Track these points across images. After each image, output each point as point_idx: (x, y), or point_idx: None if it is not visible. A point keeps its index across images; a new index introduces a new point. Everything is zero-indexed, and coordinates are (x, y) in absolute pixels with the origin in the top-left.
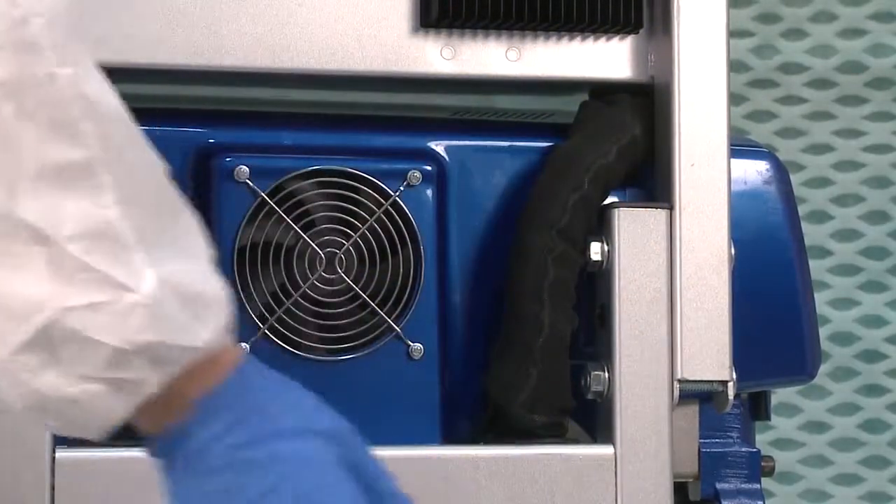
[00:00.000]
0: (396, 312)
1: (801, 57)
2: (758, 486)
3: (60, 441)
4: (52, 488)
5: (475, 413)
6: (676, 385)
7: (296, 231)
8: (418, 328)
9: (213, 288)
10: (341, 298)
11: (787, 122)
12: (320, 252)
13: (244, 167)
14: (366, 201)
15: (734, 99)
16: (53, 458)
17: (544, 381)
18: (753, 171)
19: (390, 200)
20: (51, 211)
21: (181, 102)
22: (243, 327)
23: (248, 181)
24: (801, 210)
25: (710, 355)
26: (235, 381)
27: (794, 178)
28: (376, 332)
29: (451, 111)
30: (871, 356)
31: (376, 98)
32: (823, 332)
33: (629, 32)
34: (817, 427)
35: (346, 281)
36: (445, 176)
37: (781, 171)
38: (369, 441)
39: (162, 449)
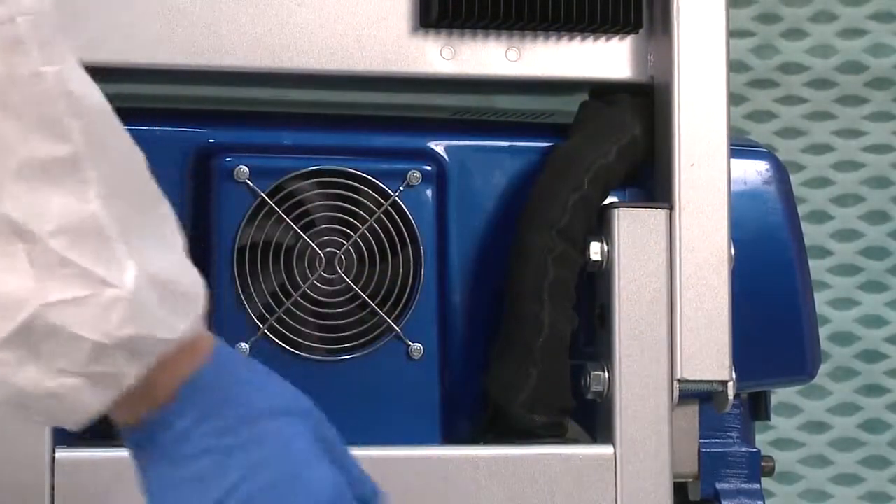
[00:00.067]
0: (396, 312)
1: (801, 57)
2: (758, 486)
3: (60, 441)
4: (52, 488)
5: (475, 413)
6: (676, 385)
7: (296, 231)
8: (418, 328)
9: (190, 278)
10: (341, 298)
11: (787, 122)
12: (320, 252)
13: (244, 167)
14: (366, 201)
15: (734, 99)
16: (53, 458)
17: (544, 381)
18: (753, 171)
19: (390, 200)
20: (34, 207)
21: (181, 102)
22: (243, 327)
23: (248, 181)
24: (801, 210)
25: (709, 355)
26: (211, 368)
27: (794, 178)
28: (376, 332)
29: (451, 111)
30: (871, 356)
31: (376, 98)
32: (823, 332)
33: (629, 32)
34: (817, 427)
35: (346, 281)
36: (445, 176)
37: (781, 171)
38: (369, 441)
39: (138, 439)
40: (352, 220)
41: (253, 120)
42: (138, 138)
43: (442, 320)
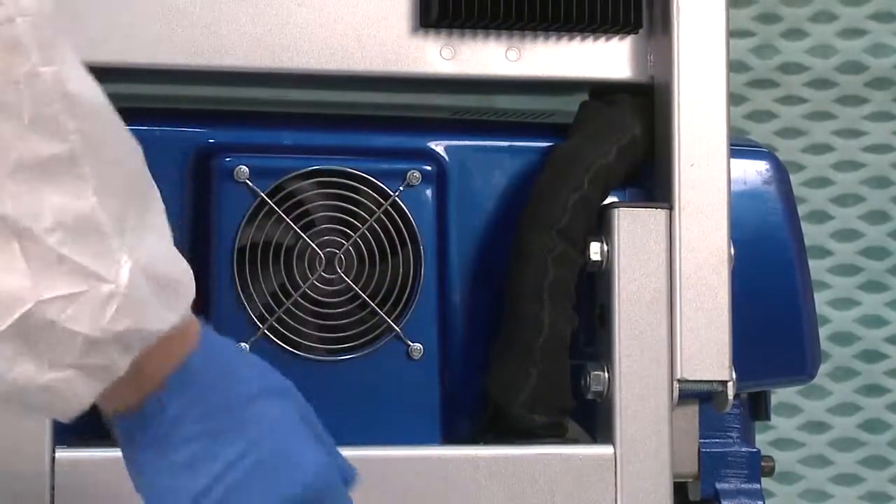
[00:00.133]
0: (396, 312)
1: (801, 57)
2: (758, 486)
3: (60, 441)
4: (52, 488)
5: (475, 413)
6: (676, 385)
7: (296, 231)
8: (418, 328)
9: (180, 267)
10: (341, 298)
11: (787, 122)
12: (320, 252)
13: (244, 167)
14: (366, 201)
15: (734, 99)
16: (53, 458)
17: (544, 381)
18: (753, 171)
19: (390, 200)
20: (31, 205)
21: (181, 102)
22: (243, 327)
23: (247, 181)
24: (801, 210)
25: (709, 355)
26: (199, 354)
27: (794, 178)
28: (376, 332)
29: (451, 111)
30: (871, 356)
31: (376, 98)
32: (823, 332)
33: (629, 32)
34: (817, 427)
35: (345, 281)
36: (445, 176)
37: (781, 171)
38: (369, 441)
39: (127, 426)
40: (352, 220)
41: (253, 120)
42: (138, 138)
43: (442, 320)
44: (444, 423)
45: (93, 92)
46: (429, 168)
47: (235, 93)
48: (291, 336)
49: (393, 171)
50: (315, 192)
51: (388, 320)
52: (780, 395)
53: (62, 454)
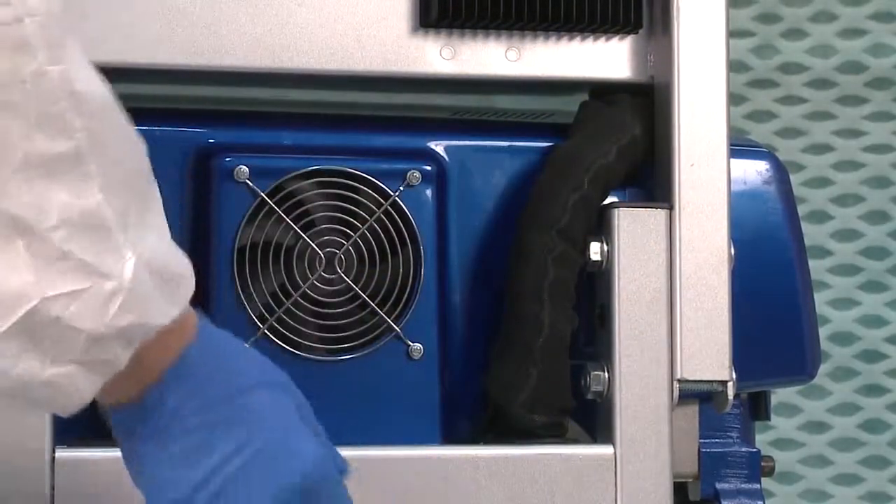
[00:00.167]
0: (396, 312)
1: (801, 57)
2: (758, 486)
3: (60, 441)
4: (52, 488)
5: (475, 413)
6: (676, 385)
7: (296, 231)
8: (418, 328)
9: (180, 261)
10: (341, 298)
11: (787, 122)
12: (320, 252)
13: (244, 167)
14: (366, 201)
15: (734, 99)
16: (53, 458)
17: (544, 381)
18: (753, 171)
19: (390, 200)
20: (37, 202)
21: (181, 102)
22: (243, 327)
23: (247, 181)
24: (801, 210)
25: (709, 355)
26: (196, 346)
27: (794, 178)
28: (376, 332)
29: (451, 111)
30: (871, 356)
31: (376, 98)
32: (823, 332)
33: (629, 32)
34: (817, 427)
35: (346, 281)
36: (445, 176)
37: (781, 171)
38: (369, 441)
39: (125, 419)
40: (352, 220)
41: (253, 120)
42: None
43: (442, 320)
44: (444, 423)
45: (100, 90)
46: (429, 168)
47: (235, 93)
48: (291, 336)
49: (393, 171)
50: (315, 192)
51: (388, 320)
52: (780, 395)
53: (62, 454)
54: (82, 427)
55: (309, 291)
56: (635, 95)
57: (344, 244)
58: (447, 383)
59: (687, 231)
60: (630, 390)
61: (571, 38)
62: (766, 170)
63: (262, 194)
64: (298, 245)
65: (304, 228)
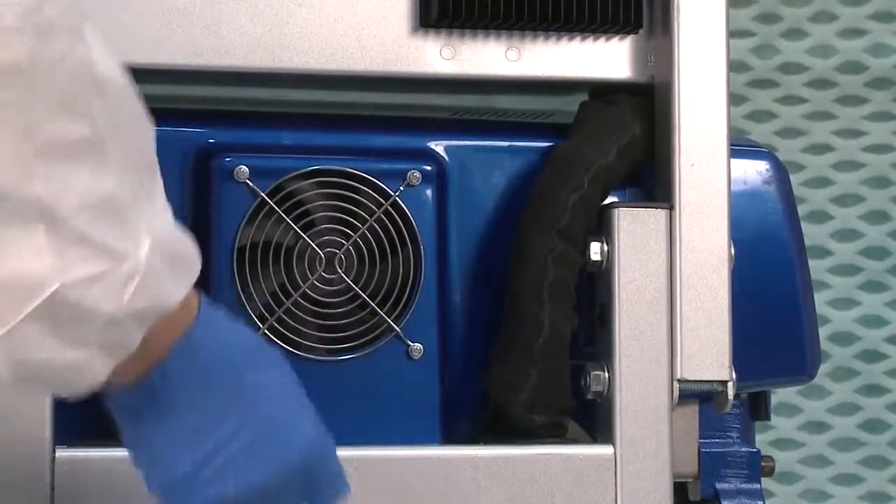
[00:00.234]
0: (396, 312)
1: (801, 57)
2: (758, 486)
3: (60, 441)
4: (52, 488)
5: (475, 413)
6: (676, 385)
7: (296, 231)
8: (418, 328)
9: (187, 243)
10: (341, 298)
11: (787, 122)
12: (320, 252)
13: (244, 167)
14: (366, 201)
15: (734, 99)
16: (53, 458)
17: (544, 381)
18: (753, 171)
19: (390, 200)
20: (57, 187)
21: (181, 102)
22: None
23: (248, 181)
24: (801, 210)
25: (709, 355)
26: (199, 325)
27: (794, 178)
28: (376, 332)
29: (451, 111)
30: (871, 356)
31: (376, 98)
32: (823, 332)
33: (629, 32)
34: (817, 427)
35: (346, 281)
36: (445, 176)
37: (781, 171)
38: (369, 441)
39: (131, 399)
40: (352, 220)
41: (253, 120)
42: None
43: (442, 320)
44: (444, 423)
45: (117, 73)
46: (429, 168)
47: (235, 93)
48: (291, 336)
49: (393, 171)
50: (315, 192)
51: (388, 320)
52: (780, 395)
53: (62, 454)
54: (82, 427)
55: (309, 291)
56: (635, 95)
57: (344, 244)
58: (447, 383)
59: (687, 231)
60: (630, 390)
61: (571, 38)
62: (766, 170)
63: (263, 194)
64: (298, 245)
65: (304, 228)
